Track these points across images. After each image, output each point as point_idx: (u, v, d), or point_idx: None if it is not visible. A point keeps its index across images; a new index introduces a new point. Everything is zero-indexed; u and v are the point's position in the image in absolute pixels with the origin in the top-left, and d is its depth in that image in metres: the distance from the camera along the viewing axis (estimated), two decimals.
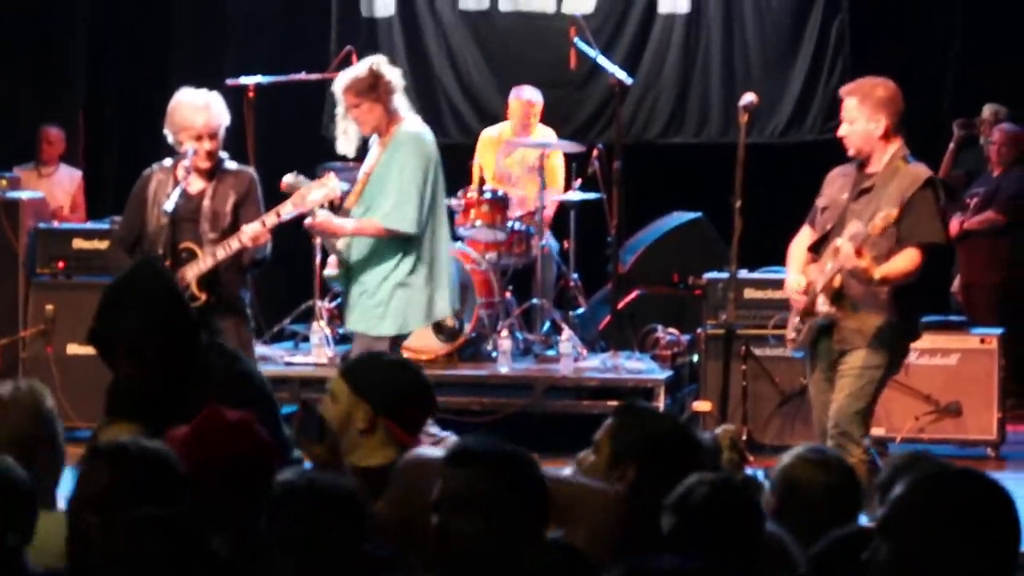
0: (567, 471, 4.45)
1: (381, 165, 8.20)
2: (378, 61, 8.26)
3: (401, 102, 8.27)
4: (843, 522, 3.78)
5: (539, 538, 3.63)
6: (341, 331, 10.56)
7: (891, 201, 6.76)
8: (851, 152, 7.02)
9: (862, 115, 6.95)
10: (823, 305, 6.87)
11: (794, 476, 4.18)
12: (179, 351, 5.24)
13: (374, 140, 8.28)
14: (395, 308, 8.12)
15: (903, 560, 3.05)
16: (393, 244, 8.01)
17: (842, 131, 7.04)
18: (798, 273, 7.08)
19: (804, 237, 7.21)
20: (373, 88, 8.15)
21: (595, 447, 4.26)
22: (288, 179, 8.07)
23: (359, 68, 8.24)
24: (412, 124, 8.29)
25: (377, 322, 8.07)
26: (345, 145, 8.25)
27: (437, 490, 3.66)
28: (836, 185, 7.09)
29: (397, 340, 8.25)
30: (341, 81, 8.23)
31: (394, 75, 8.24)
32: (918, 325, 7.16)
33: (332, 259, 8.27)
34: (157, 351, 5.17)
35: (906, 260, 6.74)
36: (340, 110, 8.18)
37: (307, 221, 7.88)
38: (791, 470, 4.20)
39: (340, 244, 8.09)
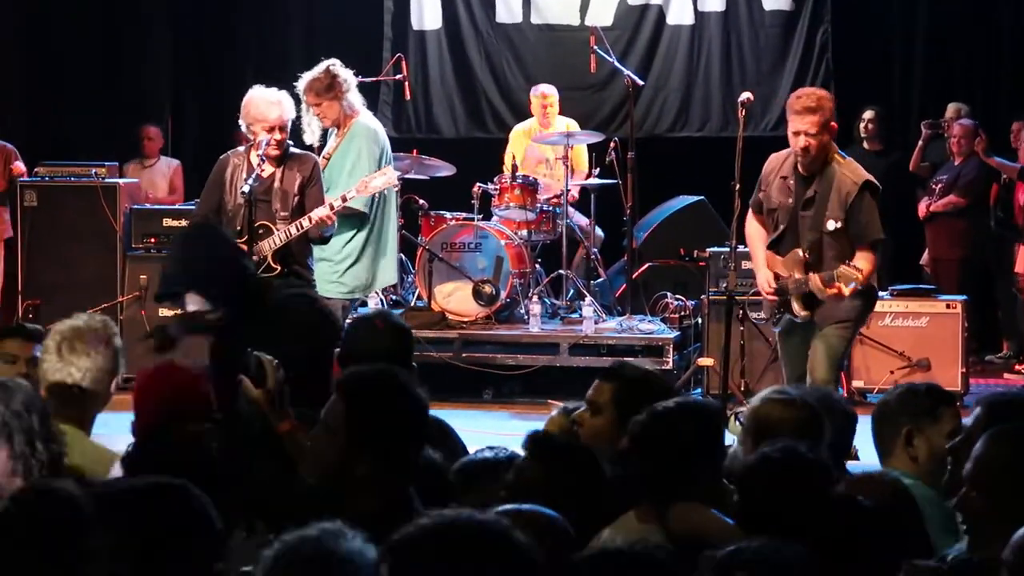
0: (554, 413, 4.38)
1: (339, 152, 8.12)
2: (334, 63, 8.14)
3: (356, 98, 8.17)
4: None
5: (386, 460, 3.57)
6: (394, 297, 10.37)
7: (835, 209, 6.67)
8: (808, 161, 6.73)
9: (822, 128, 6.72)
10: (799, 310, 6.78)
11: (763, 413, 4.12)
12: (235, 301, 4.98)
13: (332, 131, 8.20)
14: (348, 276, 8.01)
15: (993, 509, 2.97)
16: (347, 221, 7.83)
17: (803, 143, 6.70)
18: (765, 269, 6.94)
19: (757, 228, 7.06)
20: (331, 88, 8.06)
21: (593, 407, 4.09)
22: None
23: (317, 70, 8.11)
24: (366, 118, 8.24)
25: (330, 286, 7.91)
26: (309, 136, 8.14)
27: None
28: (776, 186, 6.91)
29: (347, 304, 8.08)
30: (303, 82, 8.11)
31: (348, 75, 8.13)
32: (874, 300, 7.16)
33: None
34: (216, 304, 4.92)
35: (866, 261, 6.65)
36: (303, 107, 8.01)
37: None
38: (760, 409, 4.15)
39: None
